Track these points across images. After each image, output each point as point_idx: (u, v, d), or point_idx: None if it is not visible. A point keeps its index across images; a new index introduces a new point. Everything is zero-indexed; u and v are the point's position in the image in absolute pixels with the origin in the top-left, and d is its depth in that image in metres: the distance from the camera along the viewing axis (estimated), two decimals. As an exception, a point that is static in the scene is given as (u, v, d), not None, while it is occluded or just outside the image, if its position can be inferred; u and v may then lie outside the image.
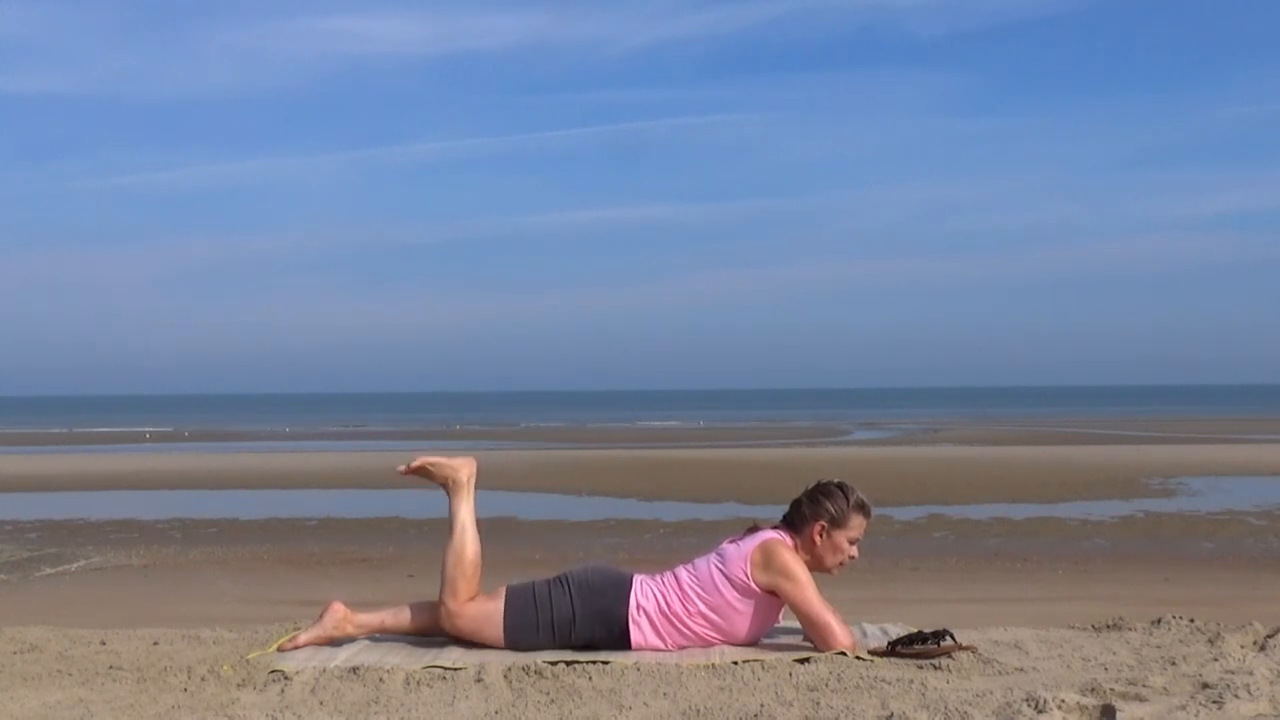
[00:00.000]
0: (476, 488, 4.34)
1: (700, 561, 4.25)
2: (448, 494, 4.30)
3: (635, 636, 4.13)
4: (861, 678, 3.68)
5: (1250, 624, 4.40)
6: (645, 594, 4.17)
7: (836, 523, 4.21)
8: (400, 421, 56.04)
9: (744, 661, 3.90)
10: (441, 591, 4.18)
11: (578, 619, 4.13)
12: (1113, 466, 21.23)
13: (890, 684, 3.60)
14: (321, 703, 3.49)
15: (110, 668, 3.97)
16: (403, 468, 4.33)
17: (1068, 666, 3.90)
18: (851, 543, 4.24)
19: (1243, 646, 4.10)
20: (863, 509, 4.26)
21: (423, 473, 4.32)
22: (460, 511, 4.25)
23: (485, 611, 4.16)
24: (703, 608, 4.15)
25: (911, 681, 3.64)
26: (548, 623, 4.13)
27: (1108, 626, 4.56)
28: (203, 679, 3.77)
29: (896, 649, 4.00)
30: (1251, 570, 9.98)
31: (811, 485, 4.31)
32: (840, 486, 4.27)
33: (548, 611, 4.14)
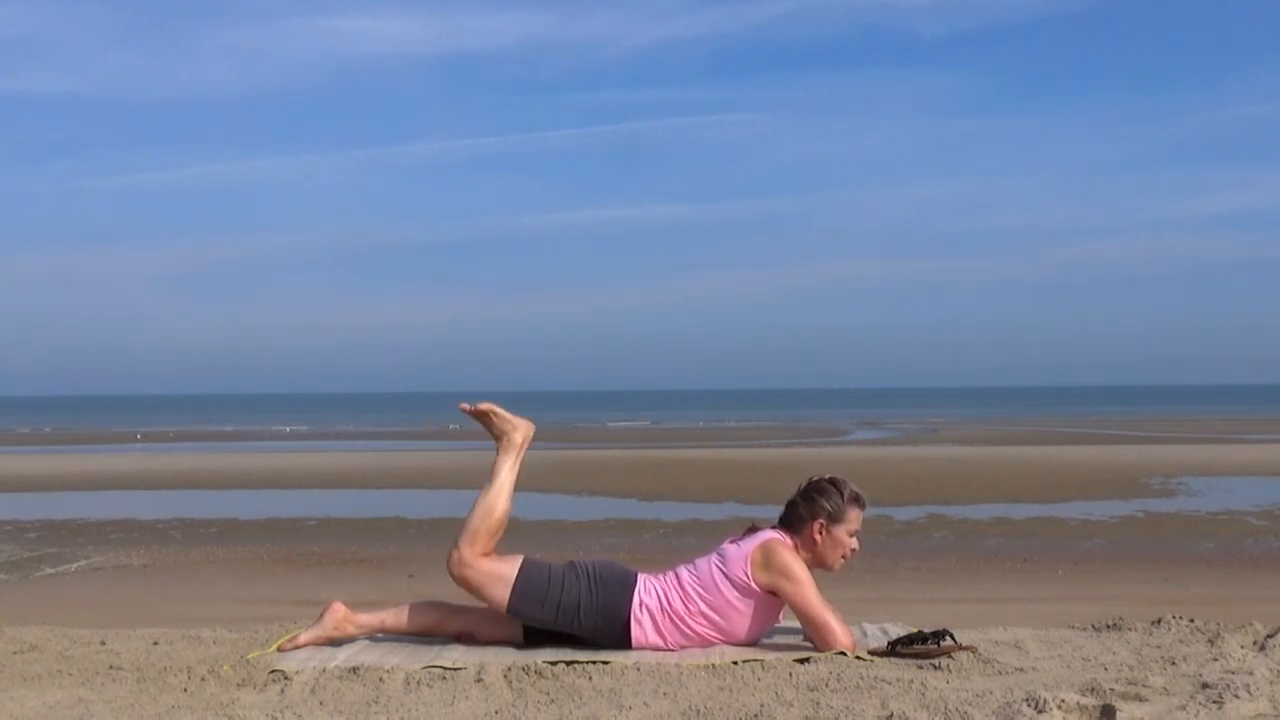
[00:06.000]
0: (524, 457, 4.34)
1: (701, 561, 4.25)
2: (497, 448, 4.31)
3: (636, 634, 4.14)
4: (861, 678, 3.68)
5: (1250, 624, 4.41)
6: (648, 592, 4.18)
7: (834, 519, 4.21)
8: (400, 421, 56.00)
9: (744, 661, 3.90)
10: (459, 537, 4.18)
11: (583, 607, 4.15)
12: (1113, 466, 21.23)
13: (890, 684, 3.61)
14: (321, 703, 3.49)
15: (110, 668, 3.97)
16: (467, 406, 4.36)
17: (1068, 666, 3.90)
18: (851, 536, 4.25)
19: (1243, 646, 4.10)
20: (858, 501, 4.27)
21: (483, 418, 4.34)
22: (503, 469, 4.26)
23: (498, 571, 4.17)
24: (703, 607, 4.15)
25: (911, 681, 3.64)
26: (555, 602, 4.14)
27: (1108, 626, 4.56)
28: (203, 679, 3.77)
29: (896, 649, 4.00)
30: (1251, 570, 9.98)
31: (803, 484, 4.31)
32: (832, 482, 4.28)
33: (558, 591, 4.15)
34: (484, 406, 4.34)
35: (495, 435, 4.33)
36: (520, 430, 4.33)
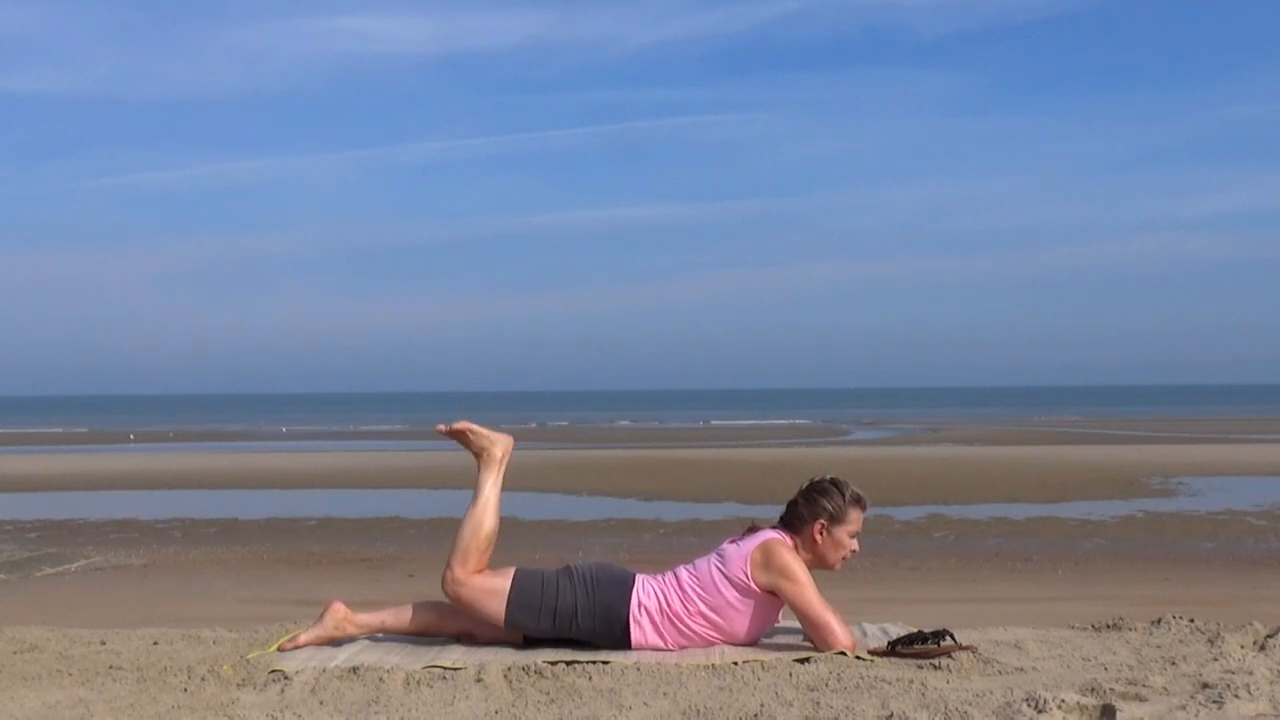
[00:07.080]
0: (507, 469, 4.34)
1: (700, 561, 4.25)
2: (478, 465, 4.31)
3: (635, 635, 4.14)
4: (861, 678, 3.68)
5: (1250, 624, 4.41)
6: (647, 593, 4.18)
7: (836, 519, 4.22)
8: (400, 421, 56.00)
9: (744, 661, 3.90)
10: (451, 557, 4.19)
11: (580, 611, 4.15)
12: (1113, 466, 21.22)
13: (890, 684, 3.61)
14: (321, 703, 3.49)
15: (110, 668, 3.97)
16: (443, 427, 4.35)
17: (1068, 666, 3.90)
18: (851, 537, 4.26)
19: (1243, 646, 4.10)
20: (859, 502, 4.28)
21: (461, 437, 4.33)
22: (486, 485, 4.27)
23: (491, 586, 4.17)
24: (703, 607, 4.16)
25: (911, 681, 3.64)
26: (550, 609, 4.15)
27: (1108, 626, 4.56)
28: (203, 679, 3.77)
29: (896, 649, 4.00)
30: (1251, 570, 9.97)
31: (805, 484, 4.32)
32: (834, 482, 4.29)
33: (553, 598, 4.15)
34: (460, 425, 4.33)
35: (475, 452, 4.33)
36: (499, 445, 4.33)
